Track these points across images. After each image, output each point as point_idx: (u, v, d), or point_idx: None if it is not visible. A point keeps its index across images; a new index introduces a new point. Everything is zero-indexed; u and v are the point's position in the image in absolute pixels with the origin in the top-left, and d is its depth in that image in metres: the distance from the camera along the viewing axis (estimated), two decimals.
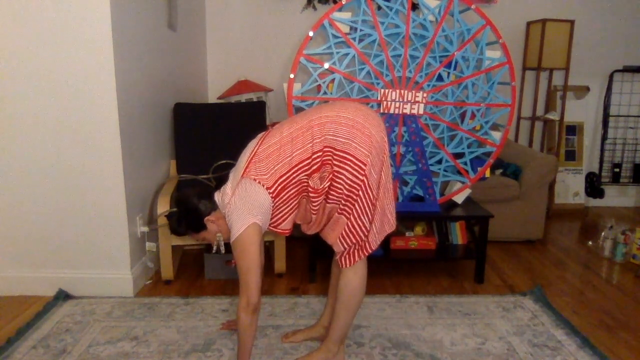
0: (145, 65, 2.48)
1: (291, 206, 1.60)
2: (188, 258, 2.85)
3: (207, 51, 3.77)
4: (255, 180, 1.53)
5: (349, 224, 1.59)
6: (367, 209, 1.57)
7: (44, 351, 1.86)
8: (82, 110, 2.15)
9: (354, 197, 1.55)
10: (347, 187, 1.55)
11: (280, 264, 2.58)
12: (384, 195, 1.60)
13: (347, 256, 1.65)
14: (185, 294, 2.39)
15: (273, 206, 1.57)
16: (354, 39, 2.38)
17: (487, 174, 2.64)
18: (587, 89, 3.98)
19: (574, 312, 2.28)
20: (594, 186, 4.02)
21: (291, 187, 1.56)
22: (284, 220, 1.62)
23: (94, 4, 2.04)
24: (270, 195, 1.54)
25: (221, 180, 1.73)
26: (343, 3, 2.35)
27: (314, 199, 1.58)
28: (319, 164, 1.55)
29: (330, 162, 1.54)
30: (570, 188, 4.03)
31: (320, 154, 1.53)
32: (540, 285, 2.51)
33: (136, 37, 2.36)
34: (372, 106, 2.45)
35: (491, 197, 3.02)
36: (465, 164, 2.63)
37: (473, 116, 2.53)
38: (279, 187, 1.54)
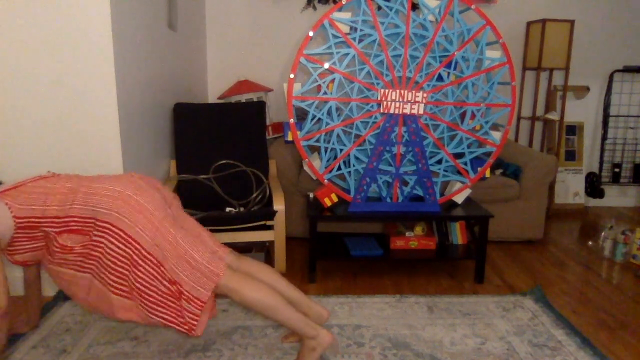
0: (145, 65, 2.48)
1: (33, 246, 1.63)
2: None
3: (207, 51, 3.77)
4: (6, 204, 1.57)
5: (144, 299, 1.56)
6: (153, 275, 1.54)
7: (44, 351, 1.86)
8: (82, 110, 2.15)
9: (126, 269, 1.54)
10: (111, 258, 1.54)
11: (280, 264, 2.58)
12: (177, 246, 1.57)
13: (183, 323, 1.59)
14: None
15: (15, 233, 1.59)
16: (354, 39, 2.38)
17: (487, 174, 2.64)
18: (587, 89, 3.98)
19: (574, 312, 2.28)
20: (594, 186, 4.02)
21: (39, 231, 1.59)
22: (19, 253, 1.64)
23: (94, 4, 2.04)
24: (15, 220, 1.57)
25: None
26: (343, 3, 2.35)
27: (57, 252, 1.59)
28: (74, 229, 1.57)
29: (90, 232, 1.56)
30: (570, 188, 4.03)
31: (76, 219, 1.56)
32: (540, 285, 2.51)
33: (136, 37, 2.36)
34: (372, 106, 2.45)
35: (491, 197, 3.02)
36: (465, 164, 2.63)
37: (473, 116, 2.53)
38: (28, 224, 1.58)
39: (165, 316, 1.59)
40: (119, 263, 1.55)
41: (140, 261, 1.53)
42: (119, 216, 1.52)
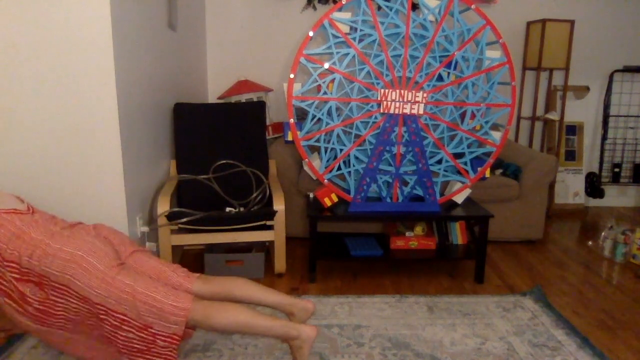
0: (145, 65, 2.48)
1: None
2: (188, 258, 2.85)
3: (207, 51, 3.77)
4: None
5: (122, 349, 1.58)
6: (121, 327, 1.56)
7: (44, 351, 1.86)
8: (82, 110, 2.15)
9: (94, 323, 1.58)
10: (75, 315, 1.58)
11: (280, 264, 2.58)
12: (137, 294, 1.57)
13: (160, 357, 1.61)
14: None
15: None
16: (354, 39, 2.38)
17: (487, 174, 2.64)
18: (587, 89, 3.98)
19: (574, 312, 2.28)
20: (594, 186, 4.02)
21: None
22: None
23: (94, 4, 2.04)
24: None
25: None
26: (343, 3, 2.35)
27: (18, 300, 1.59)
28: (34, 280, 1.57)
29: (48, 290, 1.57)
30: (570, 188, 4.03)
31: (34, 273, 1.56)
32: (540, 285, 2.51)
33: (136, 37, 2.36)
34: (372, 106, 2.45)
35: (491, 197, 3.02)
36: (465, 164, 2.63)
37: (473, 116, 2.53)
38: None
39: (149, 358, 1.60)
40: (86, 320, 1.59)
41: (104, 317, 1.55)
42: (72, 279, 1.54)
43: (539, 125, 4.05)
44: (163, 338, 1.58)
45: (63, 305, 1.58)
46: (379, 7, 2.42)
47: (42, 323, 1.60)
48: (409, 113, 2.44)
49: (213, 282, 1.83)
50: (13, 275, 1.58)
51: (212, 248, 2.67)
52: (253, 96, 3.39)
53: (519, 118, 3.99)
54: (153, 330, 1.57)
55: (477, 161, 2.62)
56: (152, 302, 1.57)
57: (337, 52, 2.37)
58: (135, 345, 1.57)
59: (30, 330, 1.65)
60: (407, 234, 2.70)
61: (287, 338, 1.70)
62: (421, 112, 2.44)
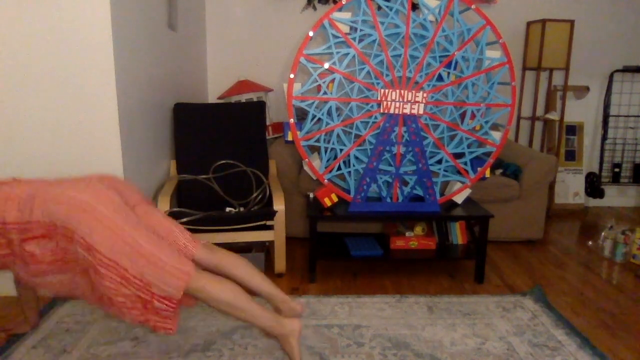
0: (145, 65, 2.48)
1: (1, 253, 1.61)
2: None
3: (207, 51, 3.77)
4: None
5: (115, 304, 1.56)
6: (118, 281, 1.53)
7: (44, 351, 1.86)
8: (82, 110, 2.15)
9: (97, 272, 1.54)
10: (81, 262, 1.55)
11: (280, 264, 2.58)
12: (140, 249, 1.54)
13: (158, 324, 1.59)
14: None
15: None
16: (354, 39, 2.38)
17: (487, 174, 2.64)
18: (587, 89, 3.98)
19: (574, 312, 2.28)
20: (594, 186, 4.02)
21: (2, 239, 1.57)
22: None
23: (94, 4, 2.04)
24: None
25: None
26: (343, 3, 2.35)
27: (30, 261, 1.58)
28: (38, 234, 1.55)
29: (56, 238, 1.55)
30: (570, 188, 4.03)
31: (38, 224, 1.54)
32: (540, 285, 2.51)
33: (136, 37, 2.36)
34: (372, 106, 2.45)
35: (491, 197, 3.02)
36: (465, 164, 2.63)
37: (473, 116, 2.53)
38: None
39: (141, 318, 1.58)
40: (88, 261, 1.55)
41: (103, 270, 1.51)
42: (77, 224, 1.50)
43: (539, 125, 4.05)
44: (160, 299, 1.55)
45: (73, 256, 1.55)
46: (379, 7, 2.42)
47: (59, 271, 1.60)
48: (409, 113, 2.44)
49: (216, 253, 1.83)
50: (18, 237, 1.55)
51: None
52: (253, 96, 3.39)
53: (519, 118, 3.99)
54: (151, 290, 1.54)
55: (477, 161, 2.62)
56: (155, 261, 1.54)
57: (337, 52, 2.37)
58: (129, 304, 1.55)
59: (46, 286, 1.64)
60: (407, 234, 2.70)
61: (273, 332, 1.70)
62: (421, 112, 2.44)
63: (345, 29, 2.37)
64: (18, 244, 1.56)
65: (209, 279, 1.62)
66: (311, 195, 2.70)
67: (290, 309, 1.89)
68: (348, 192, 2.62)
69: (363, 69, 2.40)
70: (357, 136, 2.54)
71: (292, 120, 2.44)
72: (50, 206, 1.53)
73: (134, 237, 1.53)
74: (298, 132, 2.46)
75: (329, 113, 2.47)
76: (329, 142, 2.53)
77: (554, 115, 3.83)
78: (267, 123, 3.35)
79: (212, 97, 3.80)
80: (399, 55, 2.42)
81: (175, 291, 1.56)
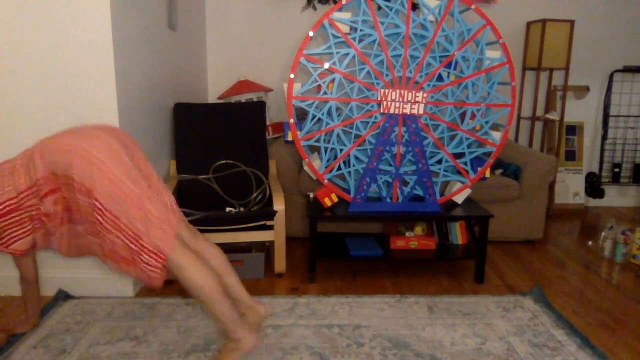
0: (145, 65, 2.48)
1: (25, 229, 1.63)
2: None
3: (207, 51, 3.77)
4: None
5: (106, 253, 1.58)
6: (110, 230, 1.54)
7: (44, 351, 1.86)
8: (82, 110, 2.15)
9: (93, 218, 1.55)
10: (82, 208, 1.56)
11: (280, 264, 2.58)
12: (135, 199, 1.54)
13: (146, 275, 1.59)
14: (185, 294, 2.39)
15: None
16: (354, 39, 2.38)
17: (487, 174, 2.64)
18: (587, 89, 3.98)
19: (574, 312, 2.28)
20: (594, 186, 4.02)
21: (21, 211, 1.59)
22: (16, 241, 1.65)
23: (94, 4, 2.04)
24: None
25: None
26: (343, 3, 2.35)
27: (48, 222, 1.60)
28: (47, 191, 1.56)
29: (59, 188, 1.56)
30: (570, 188, 4.03)
31: (43, 179, 1.55)
32: (540, 285, 2.51)
33: (136, 37, 2.36)
34: (372, 106, 2.45)
35: (491, 197, 3.02)
36: (465, 164, 2.63)
37: (473, 116, 2.53)
38: (8, 209, 1.58)
39: (129, 270, 1.59)
40: (90, 213, 1.55)
41: (98, 216, 1.51)
42: (76, 171, 1.50)
43: (539, 125, 4.05)
44: (148, 252, 1.55)
45: (76, 205, 1.56)
46: (379, 7, 2.42)
47: (69, 220, 1.62)
48: (409, 113, 2.44)
49: (198, 238, 1.82)
50: (34, 203, 1.57)
51: None
52: (253, 96, 3.39)
53: (519, 118, 3.99)
54: (141, 242, 1.54)
55: (477, 161, 2.62)
56: (148, 214, 1.54)
57: (337, 52, 2.37)
58: (121, 253, 1.56)
59: (60, 244, 1.68)
60: (407, 234, 2.70)
61: (229, 334, 1.67)
62: (421, 112, 2.44)
63: (345, 29, 2.37)
64: (36, 210, 1.59)
65: (190, 258, 1.60)
66: (311, 195, 2.70)
67: (256, 313, 1.84)
68: (348, 192, 2.62)
69: (363, 69, 2.40)
70: (357, 136, 2.54)
71: (292, 120, 2.44)
72: (48, 156, 1.55)
73: (130, 187, 1.53)
74: (298, 132, 2.46)
75: (329, 113, 2.47)
76: (329, 142, 2.53)
77: (554, 115, 3.83)
78: (267, 123, 3.35)
79: (212, 97, 3.80)
80: (399, 55, 2.42)
81: (165, 246, 1.55)
